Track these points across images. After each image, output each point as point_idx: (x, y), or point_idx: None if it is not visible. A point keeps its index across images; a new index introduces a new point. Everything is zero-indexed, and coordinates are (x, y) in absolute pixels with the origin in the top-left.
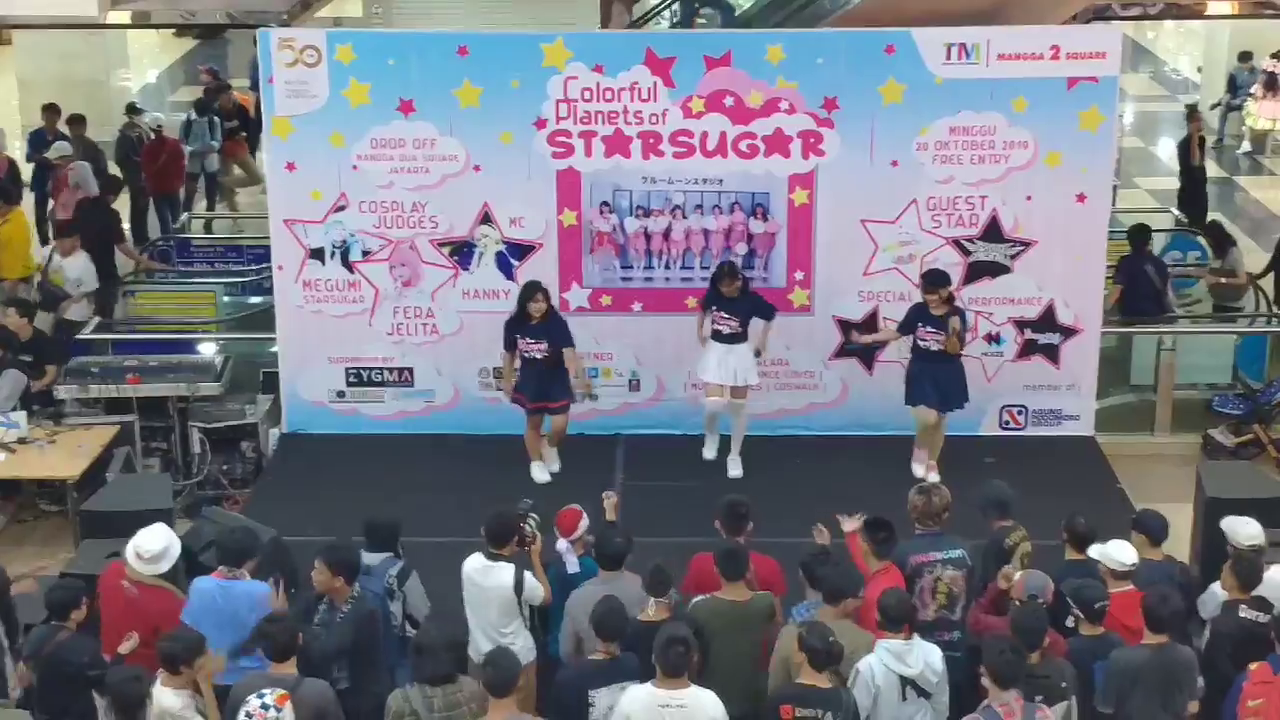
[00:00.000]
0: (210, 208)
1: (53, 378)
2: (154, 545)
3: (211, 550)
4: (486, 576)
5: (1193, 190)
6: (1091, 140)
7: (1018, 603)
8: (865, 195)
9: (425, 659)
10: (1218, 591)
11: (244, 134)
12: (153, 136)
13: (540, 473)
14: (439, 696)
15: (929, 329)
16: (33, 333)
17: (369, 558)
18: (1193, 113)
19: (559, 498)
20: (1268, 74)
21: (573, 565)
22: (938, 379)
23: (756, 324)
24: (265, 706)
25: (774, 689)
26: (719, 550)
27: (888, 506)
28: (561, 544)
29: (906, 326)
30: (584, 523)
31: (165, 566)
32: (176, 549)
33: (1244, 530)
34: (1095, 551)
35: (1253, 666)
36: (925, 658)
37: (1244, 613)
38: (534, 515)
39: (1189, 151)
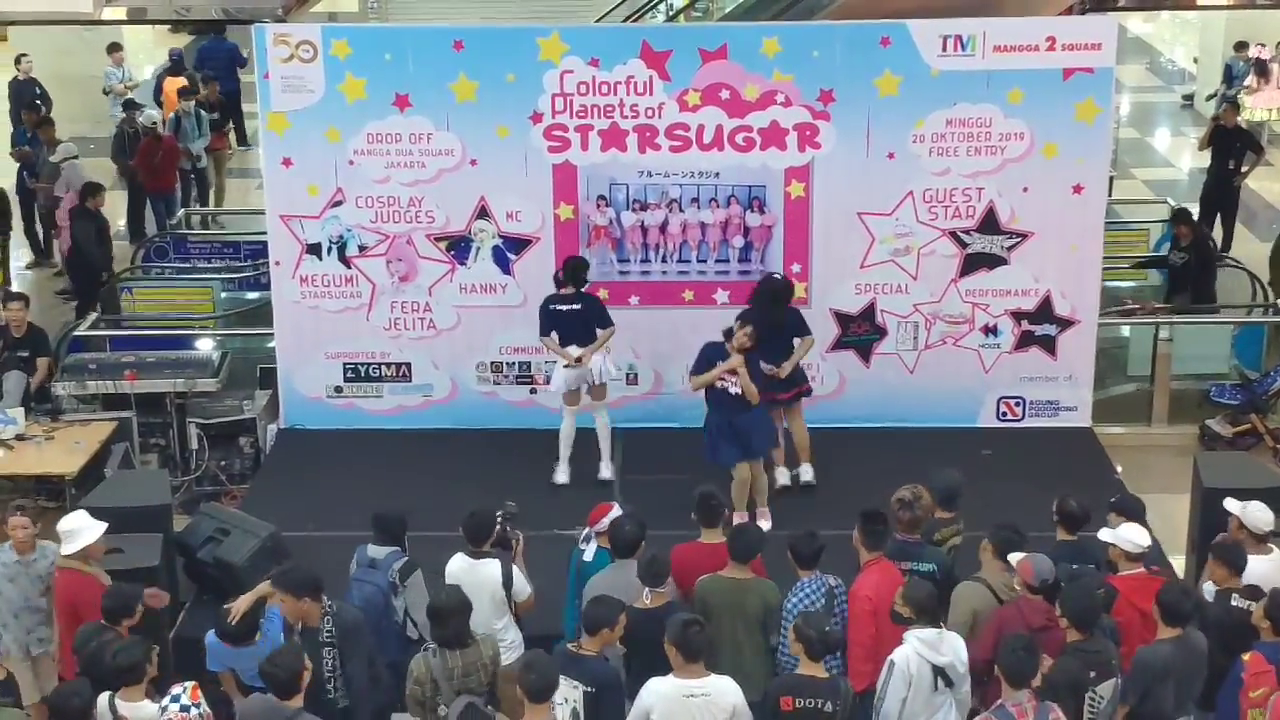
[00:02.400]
0: (203, 203)
1: (46, 372)
2: (66, 523)
3: (209, 546)
4: (473, 574)
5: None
6: (1088, 131)
7: (1027, 589)
8: (862, 188)
9: (442, 624)
10: (1210, 588)
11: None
12: (147, 133)
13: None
14: (458, 662)
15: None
16: (28, 328)
17: (374, 550)
18: (1230, 104)
19: (556, 491)
20: (1255, 61)
21: (588, 554)
22: (738, 429)
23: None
24: (184, 708)
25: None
26: (732, 530)
27: (884, 498)
28: (583, 533)
29: (702, 365)
30: (609, 517)
31: (78, 544)
32: (89, 532)
33: (1264, 516)
34: (1108, 536)
35: (1246, 657)
36: (954, 647)
37: (1236, 601)
38: (518, 533)
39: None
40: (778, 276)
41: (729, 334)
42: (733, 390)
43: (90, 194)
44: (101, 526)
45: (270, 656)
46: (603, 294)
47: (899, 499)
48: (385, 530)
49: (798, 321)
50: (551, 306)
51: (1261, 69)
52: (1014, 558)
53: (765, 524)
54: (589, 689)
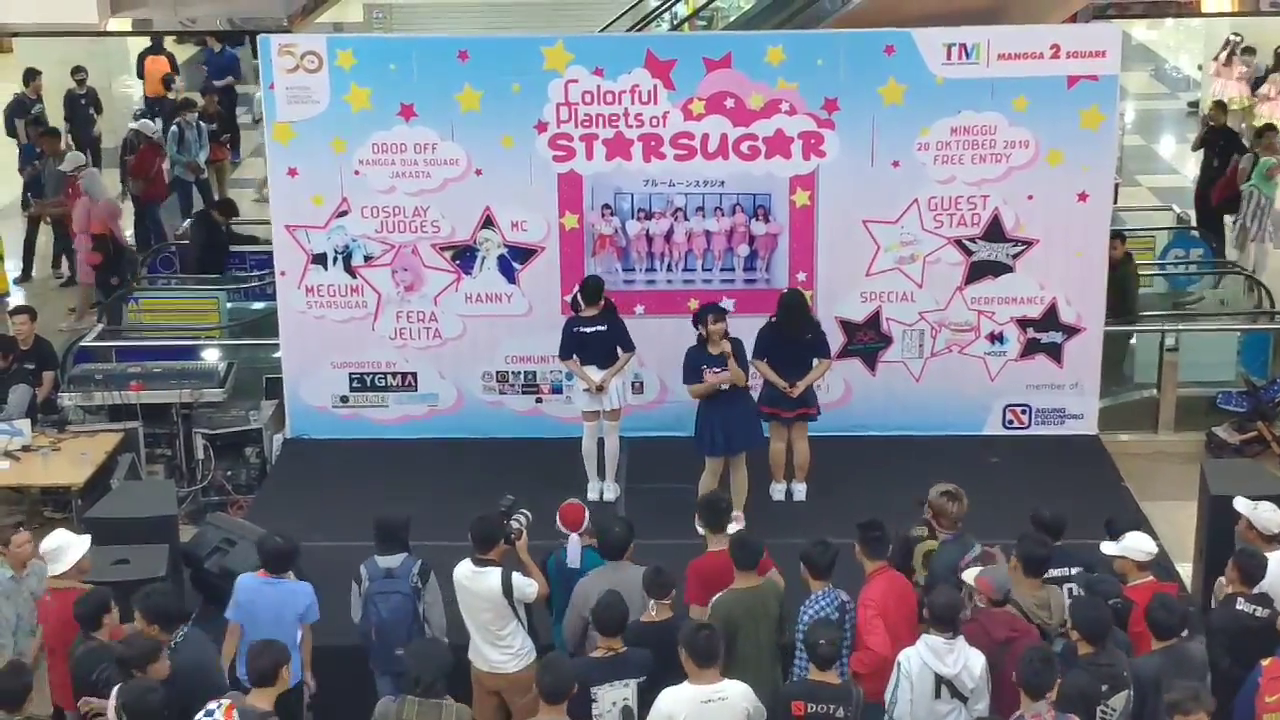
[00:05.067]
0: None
1: (51, 385)
2: (50, 543)
3: (216, 556)
4: (475, 583)
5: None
6: (1093, 139)
7: (989, 603)
8: (866, 196)
9: (415, 668)
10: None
11: (226, 136)
12: (143, 142)
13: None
14: (412, 713)
15: (714, 369)
16: (35, 340)
17: (387, 561)
18: (1218, 104)
19: (559, 501)
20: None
21: (574, 559)
22: (727, 419)
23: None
24: None
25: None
26: (732, 540)
27: (891, 506)
28: (573, 539)
29: (691, 375)
30: (586, 515)
31: (63, 565)
32: (75, 548)
33: (1273, 518)
34: (1116, 549)
35: (1265, 662)
36: (965, 660)
37: (1241, 605)
38: (524, 512)
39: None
40: (787, 291)
41: (698, 319)
42: (724, 387)
43: (221, 208)
44: (86, 540)
45: (262, 641)
46: None
47: (946, 491)
48: (393, 537)
49: (820, 341)
50: (576, 329)
51: None
52: (969, 575)
53: (736, 527)
54: (641, 679)
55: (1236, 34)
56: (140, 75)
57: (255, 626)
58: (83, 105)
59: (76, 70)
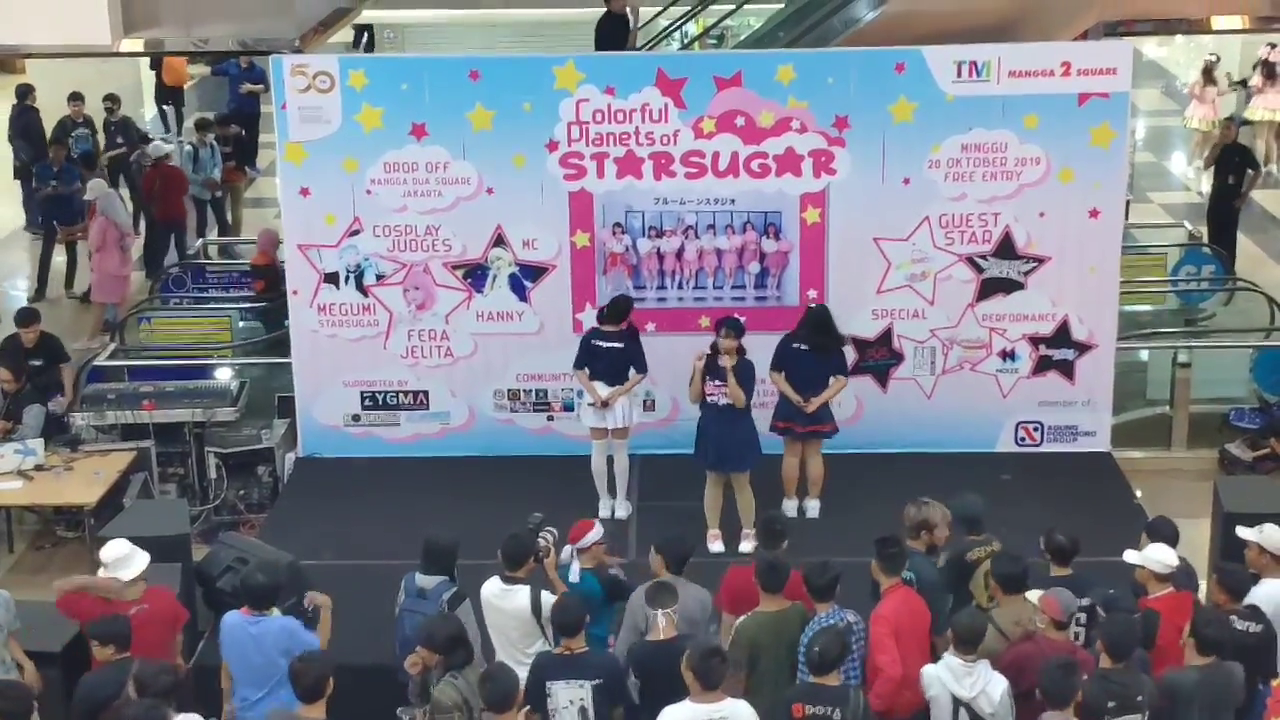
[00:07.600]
0: (222, 234)
1: (73, 376)
2: (114, 551)
3: (228, 575)
4: (505, 600)
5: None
6: (1104, 156)
7: (1052, 625)
8: (877, 213)
9: (461, 648)
10: None
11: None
12: (151, 166)
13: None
14: (465, 682)
15: (716, 382)
16: (39, 336)
17: (423, 580)
18: (1229, 120)
19: (572, 518)
20: (1263, 63)
21: (574, 574)
22: (720, 437)
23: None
24: None
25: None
26: (761, 562)
27: (902, 522)
28: (565, 551)
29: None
30: (593, 534)
31: (132, 572)
32: (141, 557)
33: None
34: (1136, 558)
35: (1275, 682)
36: (985, 686)
37: (1238, 624)
38: (550, 529)
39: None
40: (815, 306)
41: (715, 346)
42: (721, 403)
43: None
44: (146, 555)
45: (300, 655)
46: None
47: (915, 501)
48: (435, 560)
49: (839, 361)
50: (593, 341)
51: (1269, 71)
52: (1034, 594)
53: (748, 545)
54: (597, 681)
55: (1213, 54)
56: (154, 66)
57: (246, 666)
58: (111, 132)
59: (108, 98)
